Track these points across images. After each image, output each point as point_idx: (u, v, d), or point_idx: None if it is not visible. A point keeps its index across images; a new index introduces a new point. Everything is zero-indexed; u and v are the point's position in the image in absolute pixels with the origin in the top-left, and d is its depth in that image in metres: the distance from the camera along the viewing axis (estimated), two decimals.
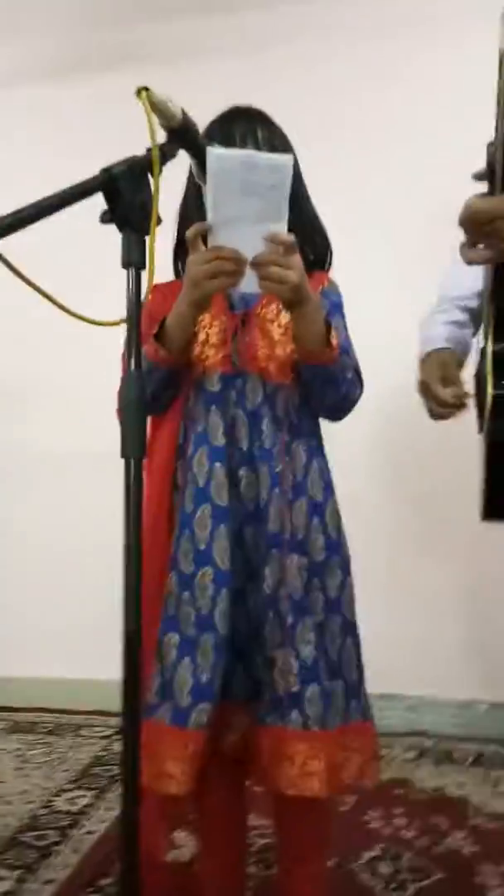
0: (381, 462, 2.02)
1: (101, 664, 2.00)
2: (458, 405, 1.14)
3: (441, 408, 1.16)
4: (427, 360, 1.20)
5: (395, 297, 1.82)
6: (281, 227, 0.89)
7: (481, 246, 0.86)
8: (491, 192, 0.85)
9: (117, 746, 1.82)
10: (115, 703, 2.41)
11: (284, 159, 0.87)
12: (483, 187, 0.88)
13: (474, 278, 1.16)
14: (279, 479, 1.02)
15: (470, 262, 0.88)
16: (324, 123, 1.96)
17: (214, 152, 0.85)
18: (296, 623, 0.98)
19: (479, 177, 0.87)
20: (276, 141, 1.07)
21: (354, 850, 1.32)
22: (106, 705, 2.07)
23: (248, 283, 0.91)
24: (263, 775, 0.97)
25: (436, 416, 1.18)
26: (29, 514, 2.24)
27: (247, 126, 1.06)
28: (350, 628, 1.04)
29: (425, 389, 1.18)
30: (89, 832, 1.43)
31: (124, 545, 0.77)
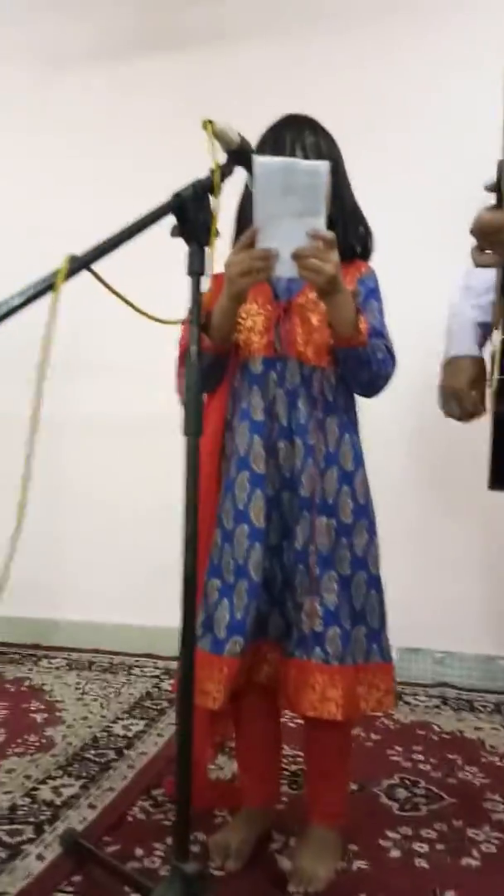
0: (407, 433, 2.17)
1: (151, 612, 2.26)
2: (479, 414, 1.27)
3: (463, 414, 1.29)
4: (456, 363, 1.33)
5: (424, 278, 1.94)
6: (320, 222, 1.04)
7: (489, 252, 1.00)
8: (498, 206, 0.98)
9: (165, 685, 2.10)
10: (162, 647, 2.71)
11: (320, 165, 1.02)
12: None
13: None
14: (312, 450, 1.19)
15: (478, 265, 1.02)
16: (365, 112, 2.06)
17: (258, 160, 1.00)
18: (322, 574, 1.17)
19: (489, 188, 0.99)
20: (322, 146, 1.21)
21: (375, 777, 1.53)
22: (154, 649, 2.33)
23: (289, 270, 1.06)
24: (290, 700, 1.17)
25: (454, 418, 1.32)
26: (89, 474, 2.45)
27: (296, 133, 1.20)
28: (374, 582, 1.23)
29: (453, 395, 1.31)
30: (142, 753, 1.67)
31: (185, 506, 0.96)
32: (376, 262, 1.31)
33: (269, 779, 1.33)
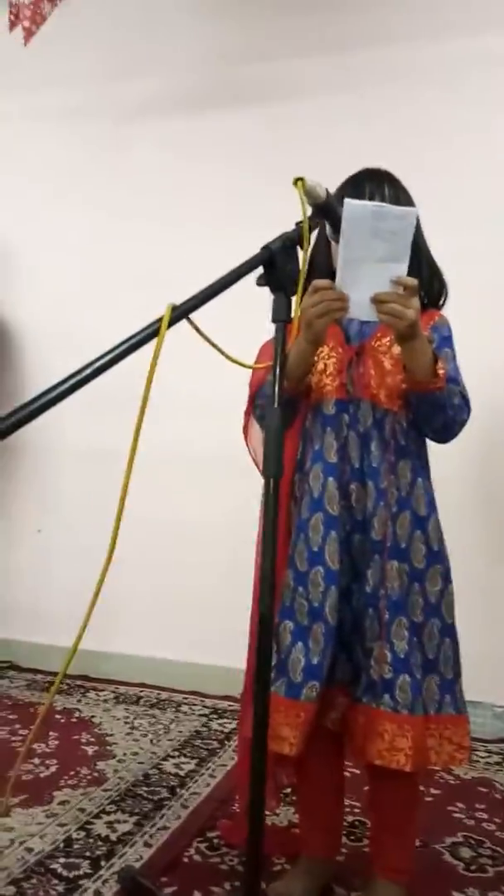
0: (478, 480, 2.16)
1: (200, 650, 2.27)
2: None
3: None
4: None
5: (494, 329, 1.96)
6: (402, 268, 1.07)
7: None
8: None
9: (214, 725, 2.10)
10: (209, 686, 2.69)
11: (410, 210, 1.07)
12: None
13: None
14: (384, 494, 1.21)
15: None
16: (428, 163, 2.11)
17: (352, 202, 1.04)
18: (392, 620, 1.17)
19: None
20: (401, 197, 1.26)
21: (437, 834, 1.50)
22: (202, 688, 2.33)
23: (367, 313, 1.10)
24: (357, 749, 1.17)
25: None
26: (156, 509, 2.50)
27: (375, 185, 1.25)
28: (448, 630, 1.22)
29: None
30: (195, 793, 1.67)
31: (262, 546, 0.97)
32: (448, 314, 1.34)
33: (332, 828, 1.32)
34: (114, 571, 2.74)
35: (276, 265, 0.96)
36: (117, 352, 0.75)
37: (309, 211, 1.02)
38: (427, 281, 1.29)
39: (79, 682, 2.44)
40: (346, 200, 1.04)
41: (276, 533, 0.98)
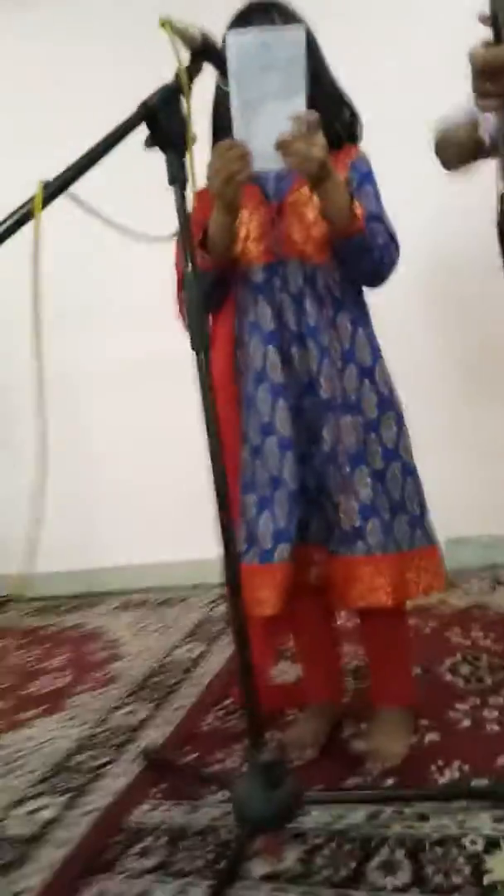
0: (426, 324, 2.15)
1: (197, 546, 2.33)
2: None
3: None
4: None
5: (422, 160, 1.87)
6: (302, 102, 1.00)
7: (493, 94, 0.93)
8: (497, 41, 0.90)
9: (219, 610, 2.18)
10: (212, 577, 2.77)
11: (297, 29, 0.98)
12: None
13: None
14: (327, 351, 1.20)
15: (485, 111, 0.97)
16: None
17: (231, 36, 0.96)
18: (353, 472, 1.20)
19: (484, 20, 0.91)
20: (292, 24, 1.16)
21: (438, 659, 1.60)
22: (205, 580, 2.40)
23: (275, 162, 1.03)
24: (340, 597, 1.23)
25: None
26: (113, 417, 2.50)
27: (264, 17, 1.15)
28: (410, 471, 1.25)
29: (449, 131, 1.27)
30: (207, 672, 1.77)
31: (204, 423, 0.98)
32: (370, 148, 1.27)
33: (332, 673, 1.41)
34: (100, 486, 2.76)
35: (160, 122, 0.90)
36: None
37: (186, 57, 0.95)
38: (335, 115, 1.22)
39: (83, 601, 2.52)
40: (227, 35, 0.96)
41: (214, 407, 0.98)
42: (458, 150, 1.28)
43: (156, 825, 1.17)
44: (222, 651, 1.88)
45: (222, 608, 2.21)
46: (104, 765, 1.39)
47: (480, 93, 0.94)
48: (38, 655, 2.08)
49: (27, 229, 0.74)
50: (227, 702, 1.57)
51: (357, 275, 1.22)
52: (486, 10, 0.92)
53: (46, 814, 1.25)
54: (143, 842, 1.13)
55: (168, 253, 1.18)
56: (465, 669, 1.55)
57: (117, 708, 1.64)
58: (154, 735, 1.48)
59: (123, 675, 1.83)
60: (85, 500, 2.55)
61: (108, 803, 1.25)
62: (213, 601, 2.30)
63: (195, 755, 1.37)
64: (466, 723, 1.33)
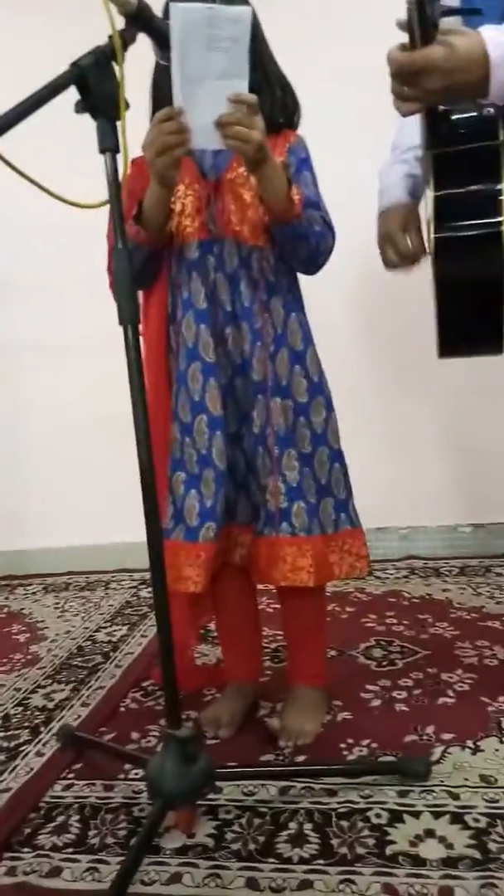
0: (355, 313, 2.19)
1: (121, 529, 2.31)
2: (417, 256, 1.29)
3: (400, 259, 1.30)
4: (388, 212, 1.33)
5: (355, 151, 1.90)
6: (244, 84, 1.00)
7: (410, 98, 0.96)
8: (412, 45, 0.91)
9: (143, 594, 2.17)
10: (136, 561, 2.75)
11: (244, 10, 0.98)
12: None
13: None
14: (260, 333, 1.21)
15: (404, 115, 1.00)
16: None
17: (178, 6, 0.94)
18: (281, 454, 1.22)
19: (402, 27, 0.92)
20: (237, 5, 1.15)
21: (352, 642, 1.64)
22: (129, 564, 2.39)
23: (214, 140, 1.03)
24: (263, 574, 1.25)
25: (394, 267, 1.33)
26: (40, 397, 2.44)
27: None
28: (337, 456, 1.28)
29: (388, 240, 1.32)
30: (128, 654, 1.76)
31: (131, 397, 0.97)
32: (308, 134, 1.28)
33: (252, 652, 1.43)
34: (21, 469, 2.70)
35: (91, 86, 0.88)
36: None
37: (121, 22, 0.93)
38: (278, 97, 1.22)
39: (4, 583, 2.46)
40: (173, 6, 0.95)
41: (143, 382, 0.98)
42: (399, 259, 1.31)
43: (69, 803, 1.16)
44: (145, 633, 1.87)
45: (146, 593, 2.20)
46: (20, 745, 1.36)
47: (397, 95, 0.97)
48: None
49: None
50: (147, 683, 1.57)
51: (293, 260, 1.24)
52: (404, 16, 0.92)
53: None
54: (56, 820, 1.12)
55: (96, 222, 1.16)
56: (377, 653, 1.59)
57: (35, 689, 1.61)
58: (71, 716, 1.46)
59: (44, 656, 1.80)
60: (13, 479, 2.49)
61: (22, 783, 1.23)
62: (136, 585, 2.28)
63: (112, 735, 1.36)
64: (377, 702, 1.37)
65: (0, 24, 2.24)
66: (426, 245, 1.26)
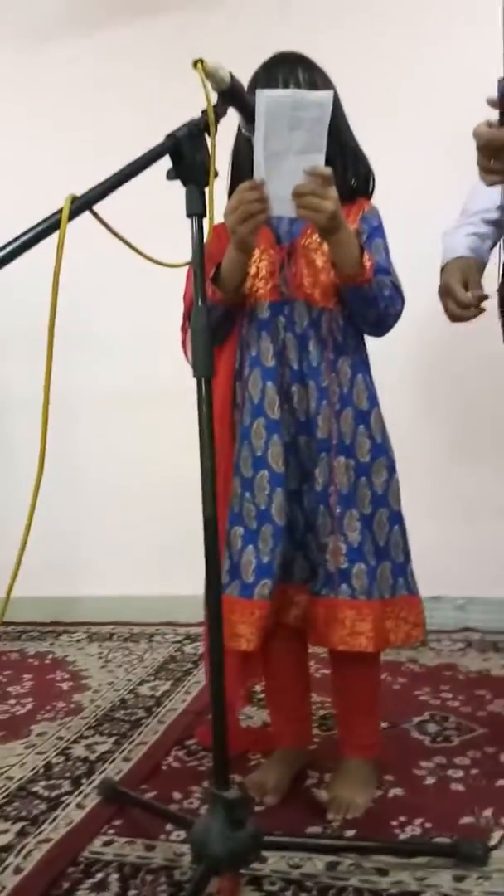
0: (418, 377, 2.20)
1: (169, 582, 2.32)
2: (477, 307, 1.31)
3: (461, 309, 1.33)
4: (448, 266, 1.37)
5: (424, 220, 1.96)
6: (320, 158, 1.07)
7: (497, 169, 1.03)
8: (502, 123, 1.01)
9: (187, 649, 2.16)
10: (181, 614, 2.75)
11: (327, 95, 1.05)
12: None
13: (497, 191, 1.31)
14: (326, 392, 1.24)
15: (489, 185, 1.06)
16: (354, 52, 2.07)
17: (266, 93, 1.02)
18: (343, 513, 1.22)
19: (492, 104, 1.01)
20: (317, 80, 1.24)
21: (405, 715, 1.59)
22: (174, 617, 2.39)
23: (290, 209, 1.10)
24: (320, 637, 1.23)
25: (455, 318, 1.35)
26: (104, 443, 2.50)
27: (289, 70, 1.23)
28: (397, 518, 1.27)
29: (446, 291, 1.35)
30: (171, 709, 1.74)
31: (200, 451, 1.00)
32: (381, 203, 1.33)
33: (301, 717, 1.40)
34: (75, 517, 2.75)
35: (184, 155, 0.94)
36: (11, 248, 0.73)
37: (214, 97, 1.00)
38: (351, 169, 1.28)
39: (50, 629, 2.48)
40: (261, 92, 1.02)
41: (212, 434, 1.00)
42: (458, 309, 1.35)
43: (109, 860, 1.14)
44: (189, 690, 1.86)
45: (190, 648, 2.19)
46: (61, 795, 1.35)
47: (484, 168, 1.05)
48: (0, 681, 2.04)
49: (44, 249, 0.77)
50: (191, 742, 1.54)
51: (362, 323, 1.27)
52: (495, 94, 1.01)
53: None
54: (95, 877, 1.10)
55: (169, 282, 1.21)
56: (431, 728, 1.54)
57: (77, 740, 1.61)
58: (112, 770, 1.44)
59: (87, 707, 1.79)
60: (67, 527, 2.54)
61: (62, 834, 1.22)
62: (181, 640, 2.27)
63: (153, 793, 1.34)
64: (431, 780, 1.32)
65: (107, 98, 2.42)
66: (486, 295, 1.30)
